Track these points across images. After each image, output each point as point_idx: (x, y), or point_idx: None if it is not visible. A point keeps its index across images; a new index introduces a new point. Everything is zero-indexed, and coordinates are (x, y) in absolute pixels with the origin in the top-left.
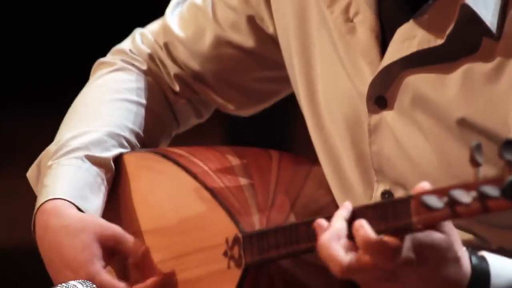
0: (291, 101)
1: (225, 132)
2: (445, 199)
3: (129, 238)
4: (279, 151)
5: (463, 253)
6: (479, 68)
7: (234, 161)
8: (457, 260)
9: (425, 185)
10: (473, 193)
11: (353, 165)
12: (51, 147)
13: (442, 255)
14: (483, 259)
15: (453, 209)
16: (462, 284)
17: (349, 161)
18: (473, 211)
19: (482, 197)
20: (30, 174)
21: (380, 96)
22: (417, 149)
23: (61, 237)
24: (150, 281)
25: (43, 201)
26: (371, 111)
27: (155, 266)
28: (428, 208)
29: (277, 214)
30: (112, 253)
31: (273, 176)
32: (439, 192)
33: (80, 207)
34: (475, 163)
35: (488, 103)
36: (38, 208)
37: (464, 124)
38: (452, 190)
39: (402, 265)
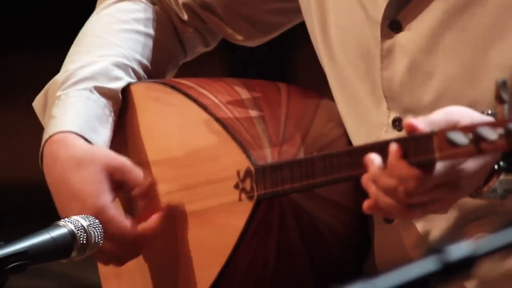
0: (294, 33)
1: (226, 64)
2: (470, 135)
3: (136, 169)
4: (287, 84)
5: None
6: None
7: (243, 93)
8: None
9: (413, 120)
10: (500, 130)
11: (367, 94)
12: (59, 77)
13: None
14: None
15: (478, 146)
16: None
17: (364, 91)
18: (498, 147)
19: (509, 134)
20: (37, 103)
21: (394, 20)
22: (437, 68)
23: (70, 168)
24: (155, 217)
25: (52, 133)
26: (385, 36)
27: (161, 199)
28: (453, 144)
29: (289, 148)
30: (120, 185)
31: (283, 109)
32: (465, 129)
33: (89, 139)
34: (500, 100)
35: None
36: (47, 140)
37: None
38: (479, 128)
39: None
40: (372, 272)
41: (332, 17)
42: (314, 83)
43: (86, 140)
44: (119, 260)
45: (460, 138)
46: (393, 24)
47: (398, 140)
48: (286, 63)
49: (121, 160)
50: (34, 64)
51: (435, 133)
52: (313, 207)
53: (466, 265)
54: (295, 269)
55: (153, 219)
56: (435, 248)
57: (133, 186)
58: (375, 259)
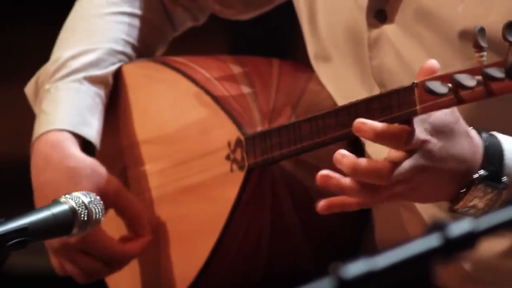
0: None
1: (228, 42)
2: (449, 85)
3: (129, 197)
4: (280, 59)
5: (469, 128)
6: None
7: (235, 68)
8: (466, 133)
9: (433, 63)
10: (478, 77)
11: (357, 79)
12: (50, 66)
13: (451, 128)
14: (491, 135)
15: (458, 95)
16: (477, 156)
17: (354, 76)
18: (477, 95)
19: (487, 80)
20: (28, 90)
21: (380, 9)
22: (418, 63)
23: (62, 178)
24: (142, 240)
25: (44, 131)
26: (371, 25)
27: (154, 179)
28: (432, 93)
29: (279, 117)
30: (108, 206)
31: (274, 81)
32: (443, 77)
33: (82, 134)
34: (478, 47)
35: (489, 10)
36: (38, 136)
37: (466, 36)
38: (456, 75)
39: (421, 148)
40: (371, 247)
41: (320, 2)
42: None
43: (79, 136)
44: (95, 275)
45: (439, 88)
46: (379, 13)
47: (380, 96)
48: (287, 43)
49: (116, 185)
50: (35, 38)
51: (417, 84)
52: (306, 178)
53: (468, 242)
54: (291, 242)
55: (139, 242)
56: (436, 225)
57: (123, 212)
58: (375, 234)
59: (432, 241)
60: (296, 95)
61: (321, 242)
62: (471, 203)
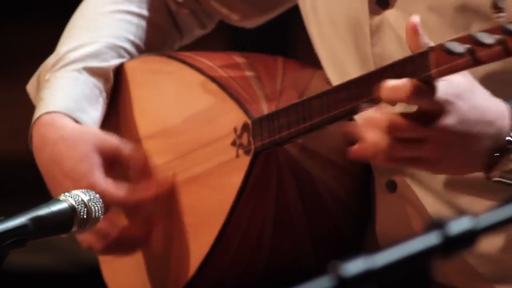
0: (295, 14)
1: (228, 43)
2: (467, 45)
3: (128, 146)
4: (284, 57)
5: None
6: None
7: (240, 59)
8: (490, 95)
9: (413, 19)
10: (496, 36)
11: (358, 69)
12: (50, 60)
13: (473, 91)
14: None
15: (474, 55)
16: (505, 118)
17: (354, 66)
18: (495, 54)
19: (506, 34)
20: (30, 87)
21: None
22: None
23: (60, 148)
24: (152, 183)
25: (39, 114)
26: (373, 11)
27: (159, 171)
28: (450, 53)
29: (286, 103)
30: (112, 163)
31: (279, 72)
32: (462, 39)
33: (77, 119)
34: (497, 8)
35: None
36: (34, 121)
37: (462, 9)
38: (475, 33)
39: (448, 110)
40: (372, 243)
41: None
42: (316, 64)
43: (74, 120)
44: (119, 237)
45: (457, 47)
46: (381, 0)
47: (393, 64)
48: (289, 45)
49: (111, 139)
50: (35, 36)
51: (433, 48)
52: (313, 166)
53: (468, 239)
54: (294, 232)
55: (150, 185)
56: (436, 223)
57: (126, 162)
58: (376, 230)
59: (431, 239)
60: (302, 86)
61: (323, 234)
62: (508, 168)
